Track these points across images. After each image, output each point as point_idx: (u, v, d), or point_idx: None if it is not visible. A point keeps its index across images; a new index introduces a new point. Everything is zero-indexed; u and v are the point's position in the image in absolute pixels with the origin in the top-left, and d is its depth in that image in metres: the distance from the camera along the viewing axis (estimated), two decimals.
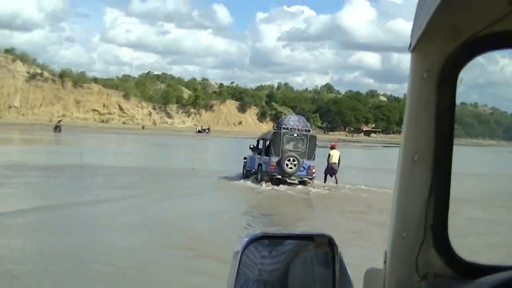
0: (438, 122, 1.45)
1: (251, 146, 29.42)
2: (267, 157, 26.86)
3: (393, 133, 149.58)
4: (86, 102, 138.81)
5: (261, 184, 26.20)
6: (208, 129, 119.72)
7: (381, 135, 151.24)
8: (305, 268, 1.77)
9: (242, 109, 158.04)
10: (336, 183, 27.13)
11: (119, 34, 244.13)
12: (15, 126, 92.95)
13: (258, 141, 29.26)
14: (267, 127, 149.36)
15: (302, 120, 28.37)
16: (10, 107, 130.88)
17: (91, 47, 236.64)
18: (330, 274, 1.68)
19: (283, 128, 27.03)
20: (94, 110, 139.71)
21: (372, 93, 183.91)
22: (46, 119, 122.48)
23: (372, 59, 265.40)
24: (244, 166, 29.37)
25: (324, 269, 1.70)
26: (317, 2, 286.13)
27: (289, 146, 26.89)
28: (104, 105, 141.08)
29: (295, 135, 27.03)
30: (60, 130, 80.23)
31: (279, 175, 26.48)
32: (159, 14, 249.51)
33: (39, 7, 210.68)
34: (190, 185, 25.08)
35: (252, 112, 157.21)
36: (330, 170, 27.64)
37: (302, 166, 26.45)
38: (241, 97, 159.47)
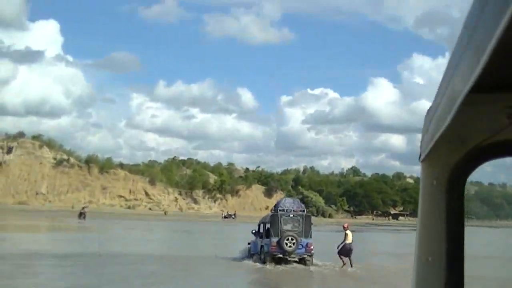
0: (449, 226, 1.51)
1: (253, 231, 31.20)
2: (267, 239, 28.64)
3: None
4: (113, 188, 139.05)
5: (266, 264, 27.91)
6: (234, 214, 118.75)
7: (409, 218, 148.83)
8: None
9: (268, 194, 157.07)
10: (351, 265, 26.88)
11: (144, 119, 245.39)
12: (40, 213, 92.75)
13: (259, 226, 30.94)
14: None
15: (297, 201, 31.13)
16: (37, 193, 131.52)
17: (117, 133, 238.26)
18: None
19: (280, 211, 29.03)
20: (121, 196, 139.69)
21: (399, 176, 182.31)
22: (70, 205, 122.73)
23: (397, 141, 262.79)
24: (249, 250, 30.89)
25: None
26: (341, 85, 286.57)
27: (287, 227, 28.72)
28: (130, 191, 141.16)
29: (291, 215, 29.01)
30: (84, 217, 79.73)
31: (280, 254, 28.08)
32: (184, 99, 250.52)
33: (66, 93, 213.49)
34: (209, 268, 26.24)
35: (278, 197, 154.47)
36: (347, 251, 27.35)
37: (301, 244, 28.22)
38: (267, 181, 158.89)
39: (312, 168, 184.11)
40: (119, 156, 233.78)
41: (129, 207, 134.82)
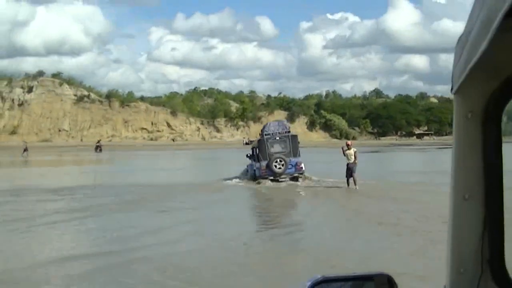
0: (486, 160, 1.46)
1: (248, 155, 32.14)
2: (258, 163, 29.68)
3: (446, 134, 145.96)
4: (134, 121, 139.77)
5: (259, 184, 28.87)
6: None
7: (434, 137, 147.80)
8: None
9: (291, 119, 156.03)
10: (355, 184, 25.77)
11: (165, 52, 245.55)
12: (61, 148, 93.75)
13: (252, 150, 31.67)
14: (317, 136, 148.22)
15: (282, 123, 31.73)
16: (59, 130, 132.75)
17: (138, 68, 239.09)
18: None
19: (266, 135, 29.89)
20: (143, 128, 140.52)
21: (422, 96, 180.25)
22: (95, 140, 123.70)
23: (419, 61, 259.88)
24: (246, 172, 31.96)
25: None
26: (361, 8, 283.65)
27: (274, 149, 29.54)
28: (152, 123, 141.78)
29: (277, 138, 29.70)
30: (100, 150, 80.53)
31: (270, 176, 29.14)
32: (203, 30, 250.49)
33: (85, 31, 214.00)
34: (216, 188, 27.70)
35: (301, 122, 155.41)
36: (348, 171, 26.35)
37: (290, 164, 29.20)
38: (289, 107, 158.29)
39: (334, 92, 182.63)
40: (141, 90, 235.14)
41: (151, 139, 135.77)
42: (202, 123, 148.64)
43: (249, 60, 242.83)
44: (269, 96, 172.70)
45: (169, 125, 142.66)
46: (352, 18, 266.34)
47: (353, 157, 26.28)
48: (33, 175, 39.35)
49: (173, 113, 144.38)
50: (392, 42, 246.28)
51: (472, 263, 1.49)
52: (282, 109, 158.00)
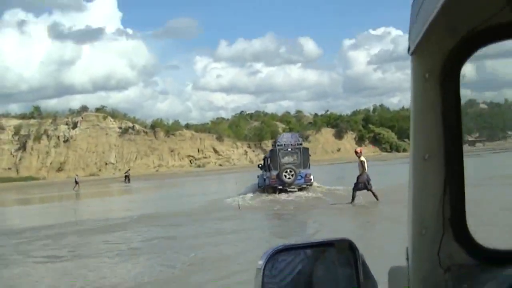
0: (445, 120, 1.47)
1: (259, 165, 33.69)
2: (269, 172, 30.83)
3: (499, 139, 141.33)
4: (180, 149, 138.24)
5: (267, 195, 30.06)
6: None
7: (487, 143, 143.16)
8: (329, 273, 1.80)
9: (338, 135, 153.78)
10: (375, 197, 22.92)
11: (210, 80, 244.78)
12: (108, 180, 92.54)
13: (264, 160, 32.94)
14: (367, 150, 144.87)
15: (295, 136, 33.56)
16: (106, 164, 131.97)
17: (185, 97, 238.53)
18: (354, 276, 1.70)
19: (278, 145, 31.18)
20: (189, 155, 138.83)
21: (471, 103, 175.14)
22: (142, 171, 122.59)
23: (465, 69, 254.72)
24: (258, 183, 33.01)
25: (348, 272, 1.72)
26: (401, 21, 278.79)
27: (285, 160, 30.70)
28: (198, 150, 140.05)
29: (289, 149, 31.01)
30: (129, 180, 79.91)
31: (279, 186, 30.27)
32: (247, 55, 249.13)
33: (130, 65, 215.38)
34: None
35: (349, 138, 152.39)
36: (366, 184, 23.23)
37: (300, 175, 30.36)
38: (337, 124, 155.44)
39: (381, 106, 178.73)
40: (190, 119, 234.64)
41: (198, 166, 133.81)
42: (249, 146, 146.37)
43: (295, 81, 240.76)
44: (316, 114, 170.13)
45: (215, 151, 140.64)
46: (394, 32, 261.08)
47: (361, 167, 23.38)
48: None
49: (219, 138, 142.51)
50: None
51: (434, 223, 1.50)
52: (330, 127, 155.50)
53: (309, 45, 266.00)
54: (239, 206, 25.09)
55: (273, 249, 1.69)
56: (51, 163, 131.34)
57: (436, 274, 1.50)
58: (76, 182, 69.11)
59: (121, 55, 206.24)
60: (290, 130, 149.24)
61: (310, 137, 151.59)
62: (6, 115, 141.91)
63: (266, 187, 30.95)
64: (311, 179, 30.81)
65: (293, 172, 30.20)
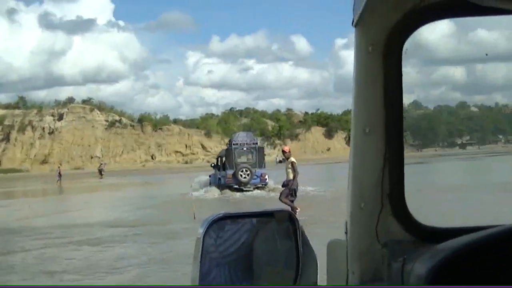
0: (387, 94, 1.48)
1: (212, 165, 33.86)
2: (224, 171, 30.78)
3: (490, 143, 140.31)
4: (168, 144, 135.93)
5: (223, 193, 29.83)
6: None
7: (478, 146, 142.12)
8: (268, 243, 1.80)
9: (328, 135, 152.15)
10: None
11: (201, 75, 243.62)
12: (90, 174, 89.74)
13: (217, 159, 33.23)
14: None
15: (250, 135, 33.88)
16: (91, 157, 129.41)
17: (175, 92, 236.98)
18: (293, 247, 1.70)
19: (234, 144, 31.24)
20: (177, 151, 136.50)
21: (462, 105, 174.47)
22: (128, 166, 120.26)
23: (456, 72, 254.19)
24: (209, 182, 32.79)
25: (287, 243, 1.72)
26: None
27: (241, 159, 30.88)
28: (186, 146, 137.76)
29: (245, 148, 31.31)
30: (102, 175, 77.27)
31: (235, 185, 30.06)
32: (239, 52, 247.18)
33: (122, 58, 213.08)
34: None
35: (339, 137, 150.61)
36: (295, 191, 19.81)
37: (255, 175, 30.29)
38: (327, 123, 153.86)
39: None
40: (180, 114, 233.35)
41: (186, 162, 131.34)
42: None
43: (286, 79, 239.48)
44: (306, 113, 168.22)
45: (203, 147, 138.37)
46: None
47: (290, 170, 19.70)
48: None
49: (208, 135, 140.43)
50: (428, 54, 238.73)
51: (372, 197, 1.50)
52: (320, 126, 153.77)
53: (301, 43, 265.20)
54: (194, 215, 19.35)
55: (213, 217, 1.68)
56: (35, 155, 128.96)
57: (374, 249, 1.51)
58: (59, 175, 66.39)
59: (112, 47, 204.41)
60: (280, 128, 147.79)
61: (300, 135, 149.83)
62: None
63: (221, 186, 30.71)
64: (266, 179, 30.62)
65: (248, 172, 30.17)
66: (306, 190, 27.12)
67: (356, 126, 1.49)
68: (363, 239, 1.51)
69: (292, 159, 20.05)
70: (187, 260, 11.41)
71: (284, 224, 1.69)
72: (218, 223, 1.69)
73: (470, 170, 52.76)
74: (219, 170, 31.99)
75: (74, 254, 14.73)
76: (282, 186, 20.40)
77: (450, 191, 24.26)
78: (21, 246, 16.50)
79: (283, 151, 21.12)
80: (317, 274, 1.65)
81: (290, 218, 1.69)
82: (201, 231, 1.65)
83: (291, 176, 19.65)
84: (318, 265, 1.65)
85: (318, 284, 1.65)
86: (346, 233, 1.55)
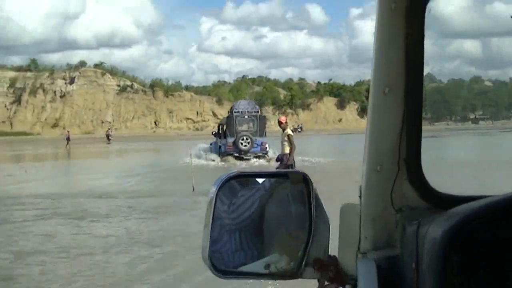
0: (408, 54, 1.45)
1: (213, 132, 34.21)
2: (225, 139, 30.76)
3: (503, 118, 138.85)
4: (179, 111, 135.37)
5: (224, 161, 30.16)
6: (301, 127, 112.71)
7: (491, 121, 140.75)
8: (281, 205, 1.78)
9: (341, 105, 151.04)
10: None
11: (215, 42, 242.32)
12: (99, 139, 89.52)
13: (218, 127, 33.48)
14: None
15: (251, 103, 33.82)
16: (102, 122, 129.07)
17: (189, 58, 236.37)
18: (306, 210, 1.68)
19: (235, 112, 30.98)
20: (188, 118, 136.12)
21: (476, 79, 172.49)
22: (139, 132, 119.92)
23: (471, 46, 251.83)
24: (210, 150, 32.85)
25: (300, 206, 1.70)
26: None
27: (242, 127, 30.80)
28: (197, 113, 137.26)
29: (246, 117, 31.05)
30: (109, 140, 78.43)
31: (236, 153, 30.16)
32: (253, 19, 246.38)
33: (136, 23, 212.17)
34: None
35: (352, 108, 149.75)
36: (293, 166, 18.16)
37: (256, 143, 30.37)
38: (339, 93, 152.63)
39: None
40: (193, 81, 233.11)
41: (197, 129, 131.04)
42: None
43: (300, 49, 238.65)
44: (319, 83, 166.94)
45: (214, 114, 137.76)
46: None
47: (286, 143, 18.45)
48: None
49: (219, 102, 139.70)
50: (443, 27, 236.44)
51: (389, 161, 1.49)
52: (332, 96, 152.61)
53: (316, 12, 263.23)
54: (193, 188, 18.07)
55: (227, 175, 1.63)
56: (46, 119, 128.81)
57: (388, 214, 1.51)
58: (68, 140, 66.03)
59: (127, 11, 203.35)
60: (292, 97, 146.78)
61: (312, 105, 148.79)
62: (2, 67, 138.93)
63: (221, 154, 30.78)
64: (266, 148, 30.75)
65: (249, 140, 30.23)
66: (303, 160, 28.08)
67: (375, 86, 1.46)
68: (377, 204, 1.51)
69: (289, 131, 18.75)
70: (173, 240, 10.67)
71: (298, 186, 1.67)
72: (231, 182, 1.66)
73: (486, 146, 51.22)
74: (220, 138, 32.16)
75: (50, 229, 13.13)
76: (277, 160, 19.06)
77: (467, 165, 24.33)
78: None
79: (279, 122, 19.63)
80: (328, 238, 1.64)
81: (304, 180, 1.65)
82: (213, 189, 1.62)
83: (286, 150, 18.36)
84: (330, 228, 1.63)
85: (330, 248, 1.63)
86: (360, 197, 1.55)
